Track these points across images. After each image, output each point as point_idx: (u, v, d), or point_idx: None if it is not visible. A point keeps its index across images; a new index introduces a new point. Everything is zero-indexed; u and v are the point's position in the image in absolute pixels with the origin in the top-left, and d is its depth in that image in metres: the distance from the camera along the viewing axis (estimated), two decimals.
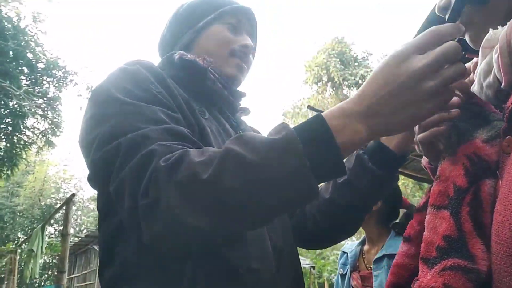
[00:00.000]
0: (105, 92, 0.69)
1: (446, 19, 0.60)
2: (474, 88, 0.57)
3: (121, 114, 0.64)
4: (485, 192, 0.49)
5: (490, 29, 0.53)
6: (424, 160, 0.67)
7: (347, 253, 2.26)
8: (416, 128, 0.62)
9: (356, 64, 15.36)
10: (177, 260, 0.63)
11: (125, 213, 0.58)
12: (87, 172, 0.72)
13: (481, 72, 0.54)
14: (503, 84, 0.50)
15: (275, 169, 0.50)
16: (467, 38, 0.62)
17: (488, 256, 0.46)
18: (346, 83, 14.85)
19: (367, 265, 2.06)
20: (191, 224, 0.52)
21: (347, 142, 0.52)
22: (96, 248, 15.18)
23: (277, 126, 0.56)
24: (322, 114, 0.54)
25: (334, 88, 15.14)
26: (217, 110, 0.87)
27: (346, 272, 2.17)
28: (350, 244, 2.37)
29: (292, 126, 0.55)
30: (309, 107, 5.64)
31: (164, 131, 0.62)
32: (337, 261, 2.43)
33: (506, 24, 0.50)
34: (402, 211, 2.27)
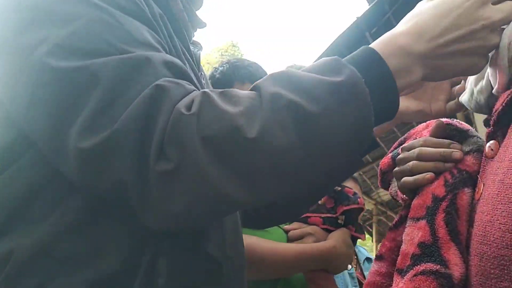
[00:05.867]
0: None
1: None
2: (464, 96, 0.56)
3: (90, 21, 0.42)
4: (463, 201, 0.49)
5: None
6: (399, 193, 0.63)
7: None
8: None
9: None
10: (136, 237, 0.45)
11: (114, 183, 0.39)
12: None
13: (473, 79, 0.53)
14: (495, 87, 0.48)
15: (337, 121, 0.41)
16: None
17: (463, 262, 0.45)
18: None
19: None
20: (231, 196, 0.39)
21: (401, 85, 0.46)
22: None
23: (329, 61, 0.44)
24: (376, 49, 0.46)
25: None
26: (178, 39, 0.64)
27: None
28: None
29: None
30: None
31: (159, 61, 0.44)
32: None
33: None
34: None
